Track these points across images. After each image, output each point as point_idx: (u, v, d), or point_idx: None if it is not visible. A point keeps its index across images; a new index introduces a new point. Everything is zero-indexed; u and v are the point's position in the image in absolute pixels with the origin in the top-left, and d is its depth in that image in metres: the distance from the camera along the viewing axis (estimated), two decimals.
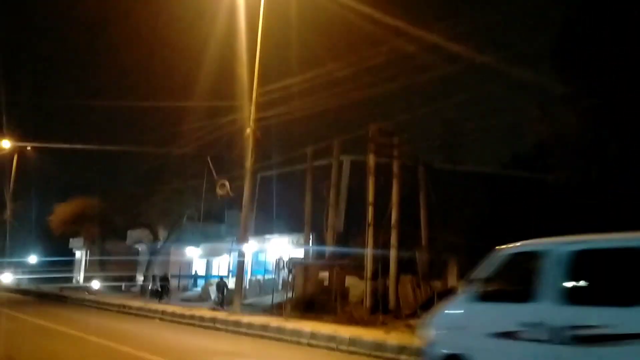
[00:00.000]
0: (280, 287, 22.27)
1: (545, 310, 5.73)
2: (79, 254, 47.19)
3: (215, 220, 33.67)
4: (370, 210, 18.63)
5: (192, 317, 18.02)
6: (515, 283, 6.67)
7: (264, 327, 14.99)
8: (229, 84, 19.54)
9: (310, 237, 22.54)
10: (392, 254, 18.26)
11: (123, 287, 36.32)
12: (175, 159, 25.62)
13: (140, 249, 37.96)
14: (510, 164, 24.49)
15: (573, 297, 5.73)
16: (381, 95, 18.73)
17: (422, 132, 21.15)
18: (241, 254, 19.96)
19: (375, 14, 16.17)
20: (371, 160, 18.84)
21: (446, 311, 7.31)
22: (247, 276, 26.04)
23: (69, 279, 44.96)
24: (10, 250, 46.83)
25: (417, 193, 19.48)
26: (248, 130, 19.45)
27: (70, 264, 46.66)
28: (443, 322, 7.09)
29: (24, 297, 32.49)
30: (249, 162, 19.56)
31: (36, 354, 10.50)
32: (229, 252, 28.90)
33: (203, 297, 27.37)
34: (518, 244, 6.56)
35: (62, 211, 42.75)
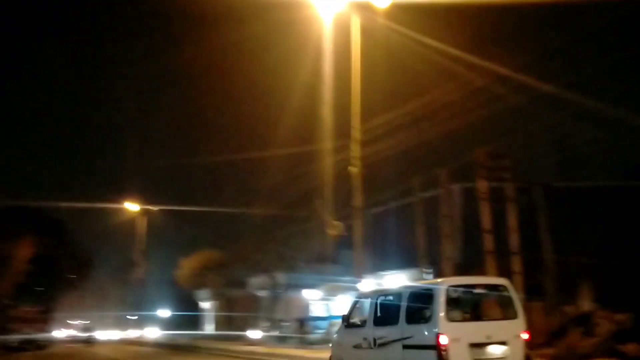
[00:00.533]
0: None
1: (367, 331, 10.23)
2: (205, 305, 49.06)
3: (331, 261, 33.85)
4: (487, 238, 17.94)
5: None
6: (358, 316, 11.25)
7: None
8: (333, 124, 19.93)
9: (428, 271, 22.01)
10: (516, 281, 17.37)
11: (248, 334, 37.18)
12: (286, 205, 26.23)
13: (261, 296, 38.86)
14: (633, 175, 22.66)
15: (376, 322, 10.24)
16: (484, 119, 18.34)
17: (532, 151, 20.12)
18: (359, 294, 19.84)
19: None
20: (482, 185, 18.23)
21: (335, 335, 12.25)
22: None
23: (198, 329, 46.88)
24: (143, 305, 49.77)
25: (536, 215, 18.55)
26: (353, 169, 19.62)
27: (197, 316, 48.65)
28: (334, 341, 12.07)
29: (158, 349, 34.08)
30: (357, 201, 19.64)
31: None
32: (347, 292, 28.85)
33: (327, 340, 27.36)
34: (357, 294, 12.57)
35: (187, 265, 45.06)
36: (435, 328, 8.51)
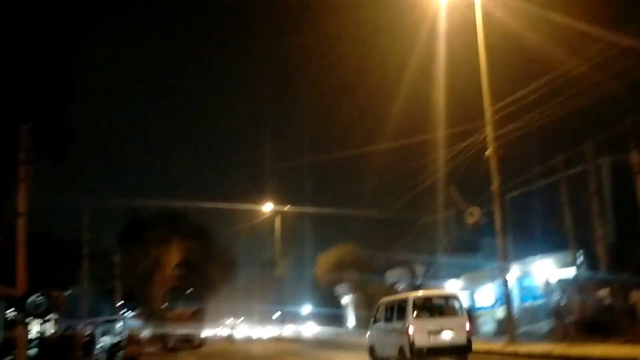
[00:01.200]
0: (553, 311, 20.63)
1: (382, 324, 15.67)
2: (345, 300, 49.66)
3: (470, 250, 32.88)
4: None
5: None
6: (382, 314, 15.97)
7: (546, 356, 13.89)
8: (462, 108, 19.30)
9: (579, 253, 20.66)
10: None
11: None
12: (421, 195, 25.74)
13: (399, 288, 38.61)
14: None
15: (385, 320, 15.47)
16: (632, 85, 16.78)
17: None
18: (504, 282, 19.03)
19: None
20: (635, 158, 16.76)
21: (369, 330, 16.91)
22: (515, 304, 24.69)
23: (340, 325, 47.55)
24: (285, 302, 51.39)
25: None
26: (488, 152, 18.84)
27: (338, 311, 49.33)
28: (370, 332, 16.72)
29: (308, 345, 34.90)
30: (495, 185, 18.84)
31: None
32: (491, 281, 27.87)
33: (472, 330, 26.57)
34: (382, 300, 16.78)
35: (324, 261, 45.84)
36: (407, 322, 14.00)
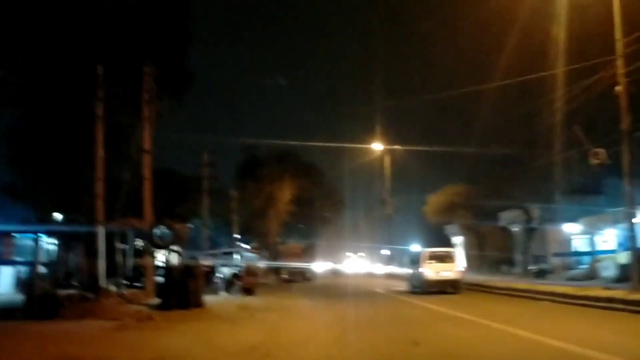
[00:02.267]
0: None
1: (414, 267, 26.07)
2: (455, 240, 49.13)
3: (592, 193, 31.14)
4: None
5: (584, 297, 16.80)
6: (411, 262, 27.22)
7: None
8: (589, 40, 17.82)
9: None
10: None
11: (503, 270, 36.37)
12: (540, 133, 24.46)
13: (514, 230, 37.58)
14: None
15: (411, 265, 26.89)
16: None
17: None
18: (630, 226, 17.88)
19: None
20: None
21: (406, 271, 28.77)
22: None
23: None
24: (394, 241, 51.70)
25: None
26: (618, 88, 17.40)
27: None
28: (408, 272, 27.87)
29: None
30: (624, 123, 17.47)
31: (435, 337, 11.01)
32: (613, 225, 26.37)
33: (591, 276, 25.48)
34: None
35: (434, 201, 45.37)
36: (423, 265, 24.25)
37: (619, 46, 17.17)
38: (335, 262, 58.73)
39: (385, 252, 53.98)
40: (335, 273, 53.58)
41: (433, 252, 25.18)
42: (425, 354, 9.17)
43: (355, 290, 28.71)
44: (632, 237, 17.80)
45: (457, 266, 24.30)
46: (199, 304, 16.59)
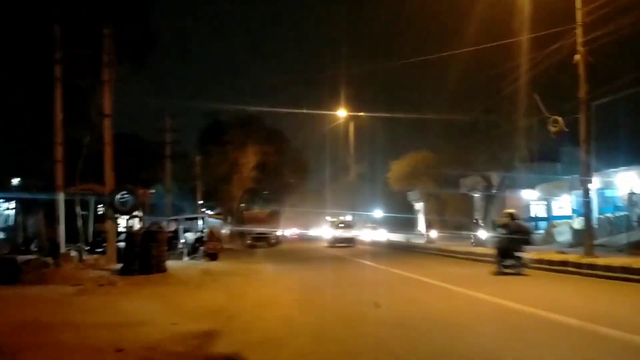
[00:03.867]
0: (636, 224, 20.00)
1: (335, 230, 40.37)
2: (417, 206, 49.94)
3: (550, 160, 31.93)
4: None
5: (540, 261, 17.34)
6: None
7: (626, 269, 13.59)
8: (548, 9, 18.03)
9: None
10: None
11: (464, 235, 37.17)
12: (500, 101, 24.80)
13: (474, 196, 38.35)
14: None
15: (337, 228, 40.88)
16: None
17: None
18: (585, 192, 18.45)
19: None
20: None
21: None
22: (594, 215, 24.07)
23: (411, 230, 48.09)
24: (357, 207, 52.23)
25: None
26: (577, 56, 17.74)
27: (411, 217, 49.77)
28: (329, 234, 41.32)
29: (377, 248, 35.82)
30: (582, 92, 17.87)
31: (395, 300, 11.31)
32: (569, 191, 27.15)
33: (547, 240, 26.31)
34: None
35: (397, 168, 45.83)
36: (333, 230, 41.08)
37: (579, 15, 17.45)
38: (302, 228, 59.12)
39: (348, 217, 54.45)
40: (304, 238, 54.00)
41: (339, 220, 42.67)
42: (384, 316, 9.44)
43: (319, 255, 29.07)
44: (586, 203, 18.41)
45: (353, 230, 40.89)
46: (162, 269, 16.59)
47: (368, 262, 22.79)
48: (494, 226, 20.38)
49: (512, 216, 15.99)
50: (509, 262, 15.38)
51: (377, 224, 51.01)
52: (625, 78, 20.59)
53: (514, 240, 15.38)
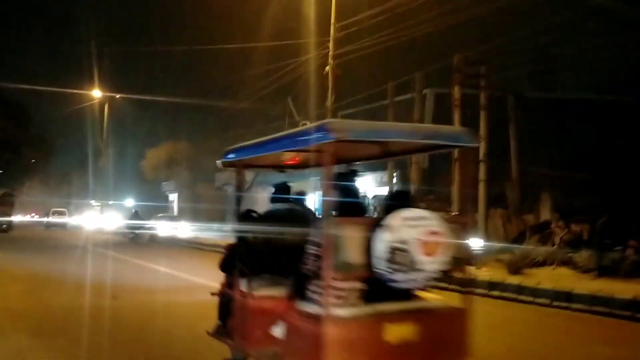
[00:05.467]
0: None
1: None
2: (171, 197, 49.18)
3: None
4: None
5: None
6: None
7: None
8: (304, 21, 19.22)
9: (394, 174, 22.22)
10: (481, 188, 17.62)
11: (215, 227, 37.47)
12: (257, 101, 25.71)
13: (228, 190, 39.02)
14: (607, 90, 22.54)
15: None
16: (463, 24, 18.00)
17: (509, 60, 19.75)
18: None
19: None
20: (456, 92, 17.97)
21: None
22: None
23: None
24: (107, 195, 49.63)
25: (507, 125, 18.64)
26: (327, 68, 19.19)
27: (164, 207, 48.77)
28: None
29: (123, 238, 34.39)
30: (329, 101, 19.37)
31: (132, 291, 11.05)
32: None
33: None
34: None
35: (153, 156, 44.62)
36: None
37: (332, 30, 18.90)
38: (45, 215, 54.03)
39: (96, 204, 51.39)
40: (48, 225, 49.42)
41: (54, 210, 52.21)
42: (120, 307, 9.18)
43: (58, 244, 27.00)
44: None
45: (66, 216, 50.75)
46: None
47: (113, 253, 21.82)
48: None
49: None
50: None
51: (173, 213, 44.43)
52: (368, 92, 22.95)
53: None
